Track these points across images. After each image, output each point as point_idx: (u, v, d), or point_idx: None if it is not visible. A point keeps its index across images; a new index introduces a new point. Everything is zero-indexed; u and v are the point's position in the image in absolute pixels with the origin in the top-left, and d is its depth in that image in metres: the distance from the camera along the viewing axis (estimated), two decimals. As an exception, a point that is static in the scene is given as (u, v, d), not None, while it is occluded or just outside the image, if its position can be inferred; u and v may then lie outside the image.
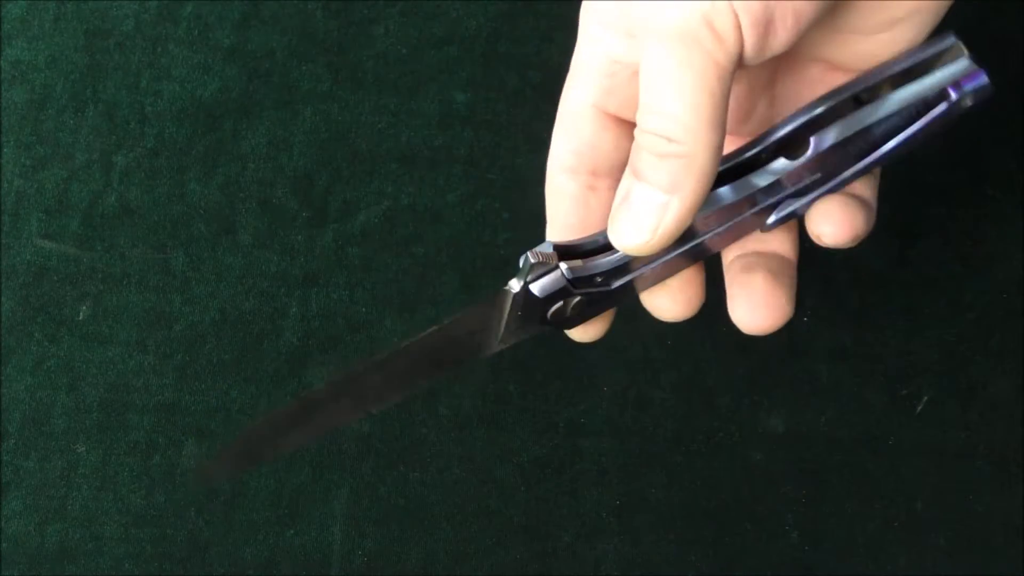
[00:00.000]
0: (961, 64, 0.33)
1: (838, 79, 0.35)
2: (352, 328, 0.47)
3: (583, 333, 0.37)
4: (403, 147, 0.50)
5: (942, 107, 0.33)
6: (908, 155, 0.34)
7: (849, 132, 0.34)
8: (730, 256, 0.37)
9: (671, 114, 0.31)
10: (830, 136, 0.34)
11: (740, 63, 0.31)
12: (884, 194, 0.47)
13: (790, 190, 0.34)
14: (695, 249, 0.35)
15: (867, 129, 0.34)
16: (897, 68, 0.33)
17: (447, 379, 0.46)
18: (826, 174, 0.34)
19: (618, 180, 0.35)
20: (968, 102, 0.33)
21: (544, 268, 0.34)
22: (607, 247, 0.35)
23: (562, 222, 0.37)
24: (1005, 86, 0.48)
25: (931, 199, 0.47)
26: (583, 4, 0.35)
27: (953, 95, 0.33)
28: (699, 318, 0.46)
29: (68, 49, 0.52)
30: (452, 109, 0.50)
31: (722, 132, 0.31)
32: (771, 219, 0.35)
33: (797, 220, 0.36)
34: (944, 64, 0.33)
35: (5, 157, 0.50)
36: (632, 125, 0.35)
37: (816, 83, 0.36)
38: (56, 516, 0.45)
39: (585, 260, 0.34)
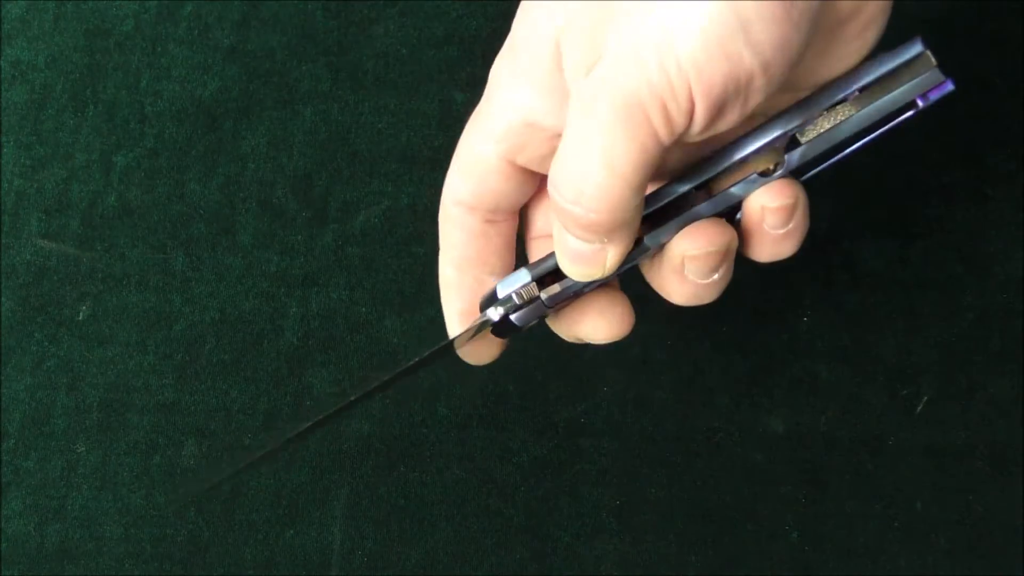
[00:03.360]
0: (930, 75, 0.33)
1: (783, 98, 0.35)
2: (352, 328, 0.47)
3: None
4: (403, 147, 0.50)
5: (908, 113, 0.34)
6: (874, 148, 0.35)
7: (823, 148, 0.34)
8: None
9: (598, 187, 0.31)
10: (803, 152, 0.34)
11: (682, 137, 0.31)
12: (884, 194, 0.47)
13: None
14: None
15: (838, 143, 0.34)
16: (867, 79, 0.33)
17: (447, 379, 0.46)
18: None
19: (516, 215, 0.37)
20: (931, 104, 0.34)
21: (524, 300, 0.36)
22: None
23: (460, 253, 0.37)
24: (1005, 86, 0.48)
25: (931, 199, 0.47)
26: (502, 52, 0.34)
27: (920, 104, 0.33)
28: (699, 318, 0.46)
29: (68, 49, 0.52)
30: (452, 109, 0.50)
31: (643, 197, 0.32)
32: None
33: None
34: (913, 75, 0.33)
35: (5, 157, 0.50)
36: (539, 175, 0.36)
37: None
38: (56, 516, 0.45)
39: (562, 283, 0.35)
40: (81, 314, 0.48)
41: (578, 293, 0.36)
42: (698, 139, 0.31)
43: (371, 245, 0.48)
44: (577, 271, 0.34)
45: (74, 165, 0.50)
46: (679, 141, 0.31)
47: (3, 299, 0.48)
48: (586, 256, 0.33)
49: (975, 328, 0.45)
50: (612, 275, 0.34)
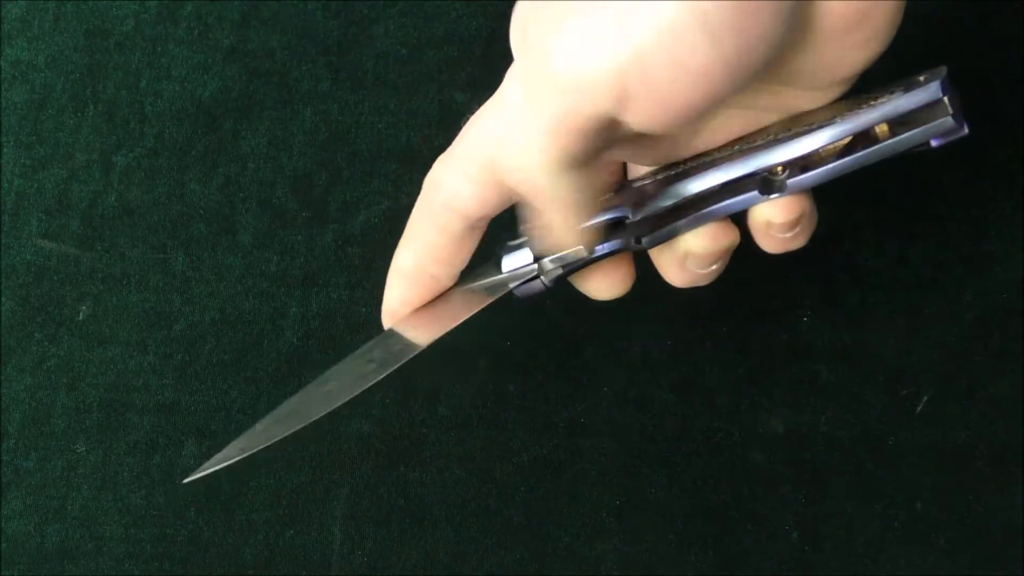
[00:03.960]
0: (946, 122, 0.33)
1: (765, 119, 0.35)
2: (352, 328, 0.47)
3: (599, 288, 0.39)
4: (403, 147, 0.50)
5: (917, 150, 0.34)
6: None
7: (826, 179, 0.34)
8: None
9: (530, 152, 0.32)
10: (808, 180, 0.34)
11: (617, 122, 0.31)
12: (884, 194, 0.47)
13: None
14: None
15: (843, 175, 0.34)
16: (882, 115, 0.33)
17: (447, 379, 0.46)
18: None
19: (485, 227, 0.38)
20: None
21: (526, 277, 0.37)
22: None
23: (429, 252, 0.38)
24: (1005, 86, 0.48)
25: (931, 199, 0.47)
26: (529, 57, 0.34)
27: (933, 144, 0.33)
28: (699, 318, 0.46)
29: (68, 49, 0.52)
30: (452, 109, 0.50)
31: (574, 170, 0.33)
32: None
33: None
34: (930, 121, 0.33)
35: (5, 157, 0.50)
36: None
37: (745, 123, 0.36)
38: (56, 516, 0.45)
39: (565, 267, 0.37)
40: (81, 314, 0.48)
41: (584, 265, 0.37)
42: (646, 127, 0.32)
43: (371, 245, 0.48)
44: (544, 243, 0.36)
45: (74, 165, 0.50)
46: (618, 128, 0.32)
47: (3, 299, 0.48)
48: (542, 226, 0.35)
49: (975, 328, 0.45)
50: (588, 252, 0.36)
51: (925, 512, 0.43)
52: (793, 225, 0.35)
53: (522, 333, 0.45)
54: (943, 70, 0.33)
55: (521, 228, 0.38)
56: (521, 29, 0.32)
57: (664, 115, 0.31)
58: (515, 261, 0.38)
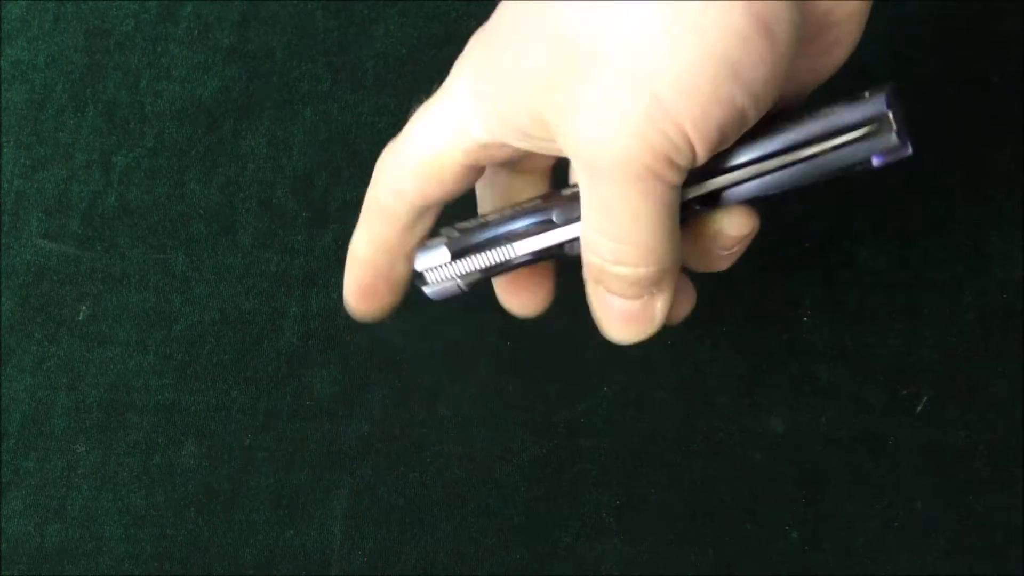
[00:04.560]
0: (889, 139, 0.32)
1: None
2: (352, 328, 0.47)
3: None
4: (403, 147, 0.49)
5: (858, 167, 0.33)
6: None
7: (766, 192, 0.33)
8: None
9: (636, 242, 0.31)
10: (745, 191, 0.33)
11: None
12: (884, 194, 0.47)
13: None
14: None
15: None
16: (822, 127, 0.32)
17: (447, 379, 0.46)
18: None
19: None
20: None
21: (440, 279, 0.36)
22: (499, 227, 0.36)
23: (380, 240, 0.37)
24: (1005, 86, 0.48)
25: (931, 199, 0.47)
26: (475, 77, 0.33)
27: (875, 162, 0.32)
28: (699, 318, 0.46)
29: (68, 49, 0.52)
30: (452, 109, 0.50)
31: (679, 231, 0.32)
32: None
33: None
34: (872, 136, 0.32)
35: (5, 157, 0.50)
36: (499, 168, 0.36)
37: None
38: (56, 516, 0.45)
39: (485, 263, 0.36)
40: (81, 314, 0.48)
41: (505, 271, 0.36)
42: None
43: (371, 245, 0.48)
44: (630, 333, 0.34)
45: (74, 165, 0.50)
46: None
47: (3, 299, 0.48)
48: (636, 314, 0.34)
49: (975, 328, 0.45)
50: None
51: (925, 512, 0.43)
52: (740, 241, 0.35)
53: (522, 333, 0.45)
54: (889, 85, 0.32)
55: (435, 237, 0.37)
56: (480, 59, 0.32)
57: (722, 147, 0.31)
58: (430, 260, 0.36)
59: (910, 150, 0.32)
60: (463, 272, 0.36)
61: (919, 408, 0.45)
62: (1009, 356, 0.45)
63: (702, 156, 0.30)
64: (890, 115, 0.31)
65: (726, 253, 0.35)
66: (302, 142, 0.50)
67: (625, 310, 0.33)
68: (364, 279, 0.38)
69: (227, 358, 0.47)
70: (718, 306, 0.46)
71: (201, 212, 0.49)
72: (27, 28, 0.52)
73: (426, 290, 0.37)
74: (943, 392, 0.45)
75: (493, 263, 0.36)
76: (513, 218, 0.36)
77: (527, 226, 0.35)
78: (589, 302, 0.34)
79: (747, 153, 0.32)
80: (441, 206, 0.37)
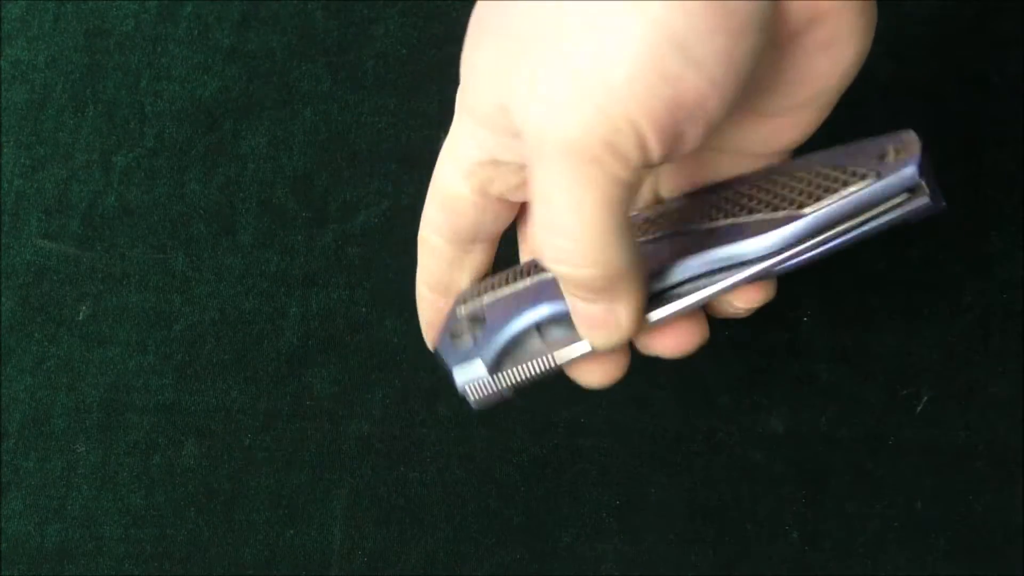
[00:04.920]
0: (922, 203, 0.30)
1: (734, 164, 0.34)
2: (352, 328, 0.47)
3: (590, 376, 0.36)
4: (403, 147, 0.50)
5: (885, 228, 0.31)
6: None
7: (792, 269, 0.32)
8: None
9: (574, 237, 0.29)
10: (775, 270, 0.32)
11: (646, 167, 0.29)
12: (884, 194, 0.47)
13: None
14: None
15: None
16: (855, 208, 0.30)
17: (446, 379, 0.46)
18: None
19: (495, 243, 0.36)
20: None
21: (483, 393, 0.35)
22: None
23: (434, 279, 0.37)
24: (1005, 86, 0.48)
25: (931, 199, 0.47)
26: (460, 94, 0.33)
27: (901, 222, 0.31)
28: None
29: (68, 49, 0.52)
30: (452, 109, 0.50)
31: (628, 237, 0.29)
32: None
33: None
34: (904, 204, 0.30)
35: (5, 157, 0.50)
36: (514, 202, 0.35)
37: (707, 168, 0.35)
38: (56, 516, 0.45)
39: (529, 366, 0.34)
40: (81, 314, 0.48)
41: (550, 372, 0.34)
42: (667, 162, 0.29)
43: (371, 245, 0.48)
44: (598, 338, 0.33)
45: (74, 165, 0.50)
46: (649, 168, 0.29)
47: (3, 299, 0.48)
48: (598, 318, 0.32)
49: (975, 328, 0.45)
50: (633, 337, 0.33)
51: (925, 512, 0.43)
52: (752, 310, 0.34)
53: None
54: (916, 145, 0.30)
55: (458, 325, 0.35)
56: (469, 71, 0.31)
57: (683, 143, 0.29)
58: (468, 373, 0.34)
59: (944, 204, 0.31)
60: (505, 385, 0.34)
61: (919, 408, 0.45)
62: (1009, 356, 0.45)
63: (655, 147, 0.28)
64: (924, 183, 0.30)
65: (740, 314, 0.34)
66: (302, 142, 0.50)
67: (588, 314, 0.32)
68: (428, 315, 0.37)
69: (227, 358, 0.47)
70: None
71: (201, 212, 0.49)
72: (27, 28, 0.52)
73: (472, 403, 0.35)
74: (943, 392, 0.45)
75: (536, 373, 0.34)
76: (529, 296, 0.34)
77: (551, 313, 0.33)
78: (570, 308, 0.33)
79: (774, 238, 0.31)
80: (488, 241, 0.36)
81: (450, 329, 0.35)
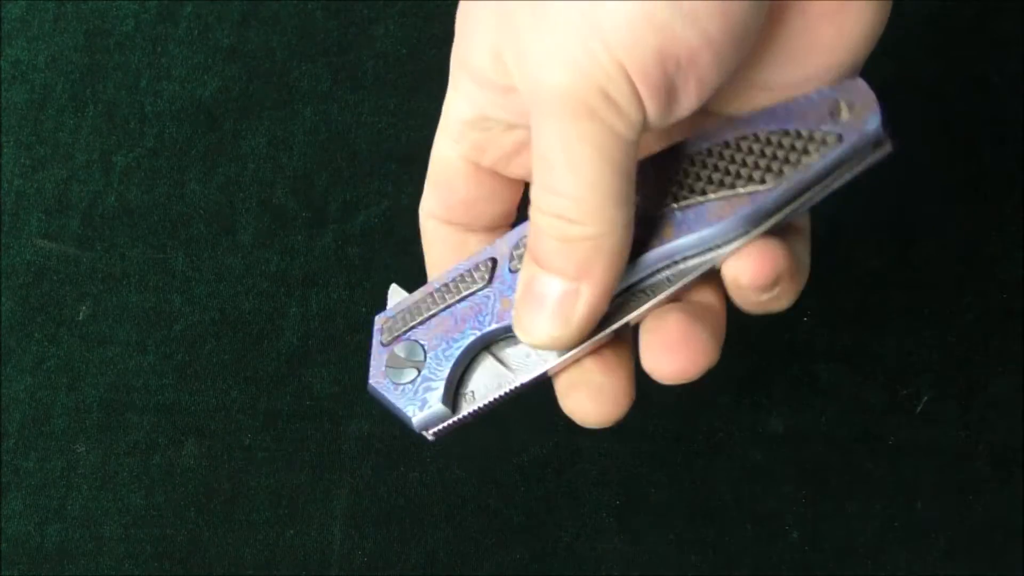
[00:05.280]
0: (886, 151, 0.29)
1: (763, 98, 0.31)
2: (352, 328, 0.47)
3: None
4: (403, 147, 0.50)
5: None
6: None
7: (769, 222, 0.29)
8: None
9: (571, 194, 0.28)
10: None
11: (644, 129, 0.28)
12: (884, 194, 0.47)
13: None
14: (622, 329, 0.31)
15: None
16: (821, 171, 0.29)
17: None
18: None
19: (494, 231, 0.34)
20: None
21: (443, 426, 0.32)
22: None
23: (440, 267, 0.35)
24: (1005, 86, 0.48)
25: (931, 199, 0.47)
26: (453, 49, 0.32)
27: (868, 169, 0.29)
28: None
29: (68, 49, 0.52)
30: (452, 109, 0.50)
31: (630, 207, 0.28)
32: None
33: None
34: (869, 157, 0.29)
35: (5, 157, 0.50)
36: (508, 179, 0.34)
37: (740, 101, 0.32)
38: (56, 516, 0.45)
39: (488, 399, 0.31)
40: (81, 314, 0.48)
41: (514, 393, 0.31)
42: (662, 126, 0.28)
43: (371, 245, 0.48)
44: (540, 326, 0.30)
45: (74, 165, 0.50)
46: (651, 129, 0.28)
47: (3, 299, 0.48)
48: (553, 304, 0.30)
49: (975, 328, 0.45)
50: (570, 345, 0.30)
51: (925, 512, 0.43)
52: (767, 285, 0.30)
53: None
54: (870, 97, 0.28)
55: (395, 359, 0.32)
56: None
57: (678, 104, 0.28)
58: (424, 411, 0.32)
59: (898, 141, 0.29)
60: (467, 414, 0.32)
61: (919, 408, 0.45)
62: (1009, 356, 0.45)
63: (649, 101, 0.27)
64: (887, 136, 0.29)
65: (757, 304, 0.31)
66: (302, 142, 0.50)
67: (544, 294, 0.29)
68: None
69: (227, 358, 0.47)
70: (718, 306, 0.46)
71: (201, 212, 0.49)
72: (27, 28, 0.52)
73: (429, 438, 0.32)
74: (943, 392, 0.45)
75: (499, 397, 0.32)
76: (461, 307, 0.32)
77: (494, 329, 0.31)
78: (516, 290, 0.31)
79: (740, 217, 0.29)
80: (485, 230, 0.34)
81: (386, 365, 0.32)
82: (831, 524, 0.43)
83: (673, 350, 0.31)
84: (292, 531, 0.44)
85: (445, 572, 0.44)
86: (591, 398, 0.32)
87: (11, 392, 0.47)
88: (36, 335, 0.47)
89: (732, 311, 0.46)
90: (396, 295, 0.34)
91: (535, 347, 0.31)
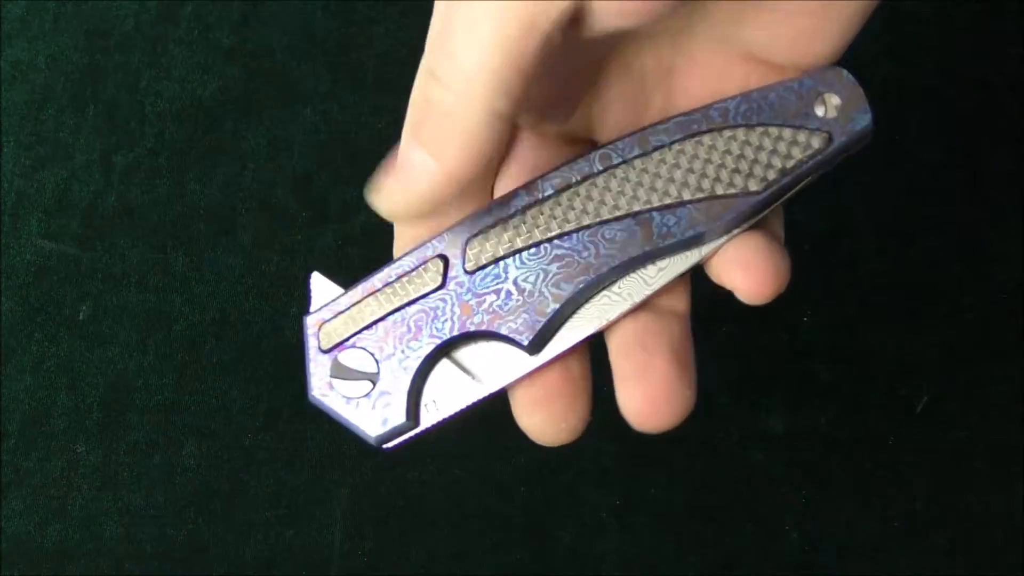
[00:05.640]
0: (868, 139, 0.27)
1: (749, 74, 0.28)
2: (352, 328, 0.47)
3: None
4: (403, 147, 0.50)
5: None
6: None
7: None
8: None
9: (453, 54, 0.26)
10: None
11: (579, 28, 0.25)
12: (885, 195, 0.47)
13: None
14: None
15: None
16: (812, 169, 0.28)
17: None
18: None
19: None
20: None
21: (404, 437, 0.29)
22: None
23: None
24: (1005, 86, 0.48)
25: (931, 199, 0.47)
26: None
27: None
28: (699, 318, 0.46)
29: (68, 49, 0.52)
30: (452, 109, 0.50)
31: (510, 104, 0.25)
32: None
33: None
34: (853, 148, 0.28)
35: (5, 157, 0.50)
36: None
37: (723, 77, 0.29)
38: (56, 516, 0.45)
39: (452, 408, 0.29)
40: (81, 314, 0.48)
41: (480, 400, 0.29)
42: (612, 28, 0.25)
43: (371, 245, 0.48)
44: (382, 189, 0.28)
45: (74, 165, 0.50)
46: (602, 39, 0.25)
47: (3, 299, 0.48)
48: (400, 168, 0.28)
49: (975, 328, 0.45)
50: (404, 218, 0.28)
51: (925, 512, 0.43)
52: (767, 296, 0.30)
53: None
54: (856, 91, 0.27)
55: (342, 369, 0.29)
56: None
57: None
58: (384, 425, 0.29)
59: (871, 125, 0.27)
60: (430, 424, 0.29)
61: (919, 408, 0.45)
62: (1009, 356, 0.45)
63: None
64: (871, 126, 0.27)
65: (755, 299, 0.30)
66: (302, 142, 0.50)
67: (399, 157, 0.28)
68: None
69: (227, 358, 0.47)
70: (718, 306, 0.46)
71: (201, 212, 0.49)
72: (27, 28, 0.52)
73: (387, 449, 0.30)
74: (943, 392, 0.45)
75: (464, 406, 0.29)
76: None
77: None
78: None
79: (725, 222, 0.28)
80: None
81: (331, 375, 0.30)
82: (831, 524, 0.43)
83: (661, 401, 0.30)
84: (292, 531, 0.44)
85: (445, 572, 0.44)
86: (550, 417, 0.30)
87: (11, 392, 0.47)
88: (36, 335, 0.47)
89: (732, 311, 0.46)
90: (321, 286, 0.31)
91: (377, 210, 0.29)
